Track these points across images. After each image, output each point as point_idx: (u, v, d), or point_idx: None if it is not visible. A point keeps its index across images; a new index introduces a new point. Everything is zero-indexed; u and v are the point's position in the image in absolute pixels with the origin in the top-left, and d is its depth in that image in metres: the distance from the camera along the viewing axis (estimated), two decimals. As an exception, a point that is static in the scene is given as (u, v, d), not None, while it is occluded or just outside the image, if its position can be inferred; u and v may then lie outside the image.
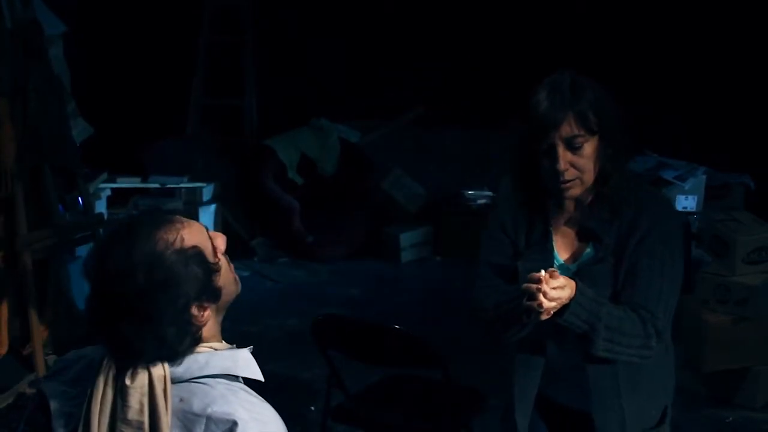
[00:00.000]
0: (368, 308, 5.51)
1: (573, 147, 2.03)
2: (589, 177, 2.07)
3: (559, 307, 1.96)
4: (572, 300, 1.97)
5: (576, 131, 2.02)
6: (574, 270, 2.13)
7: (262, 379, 1.56)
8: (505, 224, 2.24)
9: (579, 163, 2.04)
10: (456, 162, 6.97)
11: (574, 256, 2.17)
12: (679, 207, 5.32)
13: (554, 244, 2.18)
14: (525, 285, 1.95)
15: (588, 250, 2.15)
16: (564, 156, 2.03)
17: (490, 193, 6.65)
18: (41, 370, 4.13)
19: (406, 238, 6.57)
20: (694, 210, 5.36)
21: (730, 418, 3.98)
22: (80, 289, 4.81)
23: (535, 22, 6.69)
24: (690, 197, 5.38)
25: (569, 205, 2.17)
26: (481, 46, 6.84)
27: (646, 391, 2.23)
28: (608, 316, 2.02)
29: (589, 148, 2.04)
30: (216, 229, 6.08)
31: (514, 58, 6.72)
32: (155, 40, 6.80)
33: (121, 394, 1.48)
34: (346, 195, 6.81)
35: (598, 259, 2.11)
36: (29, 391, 4.07)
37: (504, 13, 6.75)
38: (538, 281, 1.92)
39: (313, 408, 3.98)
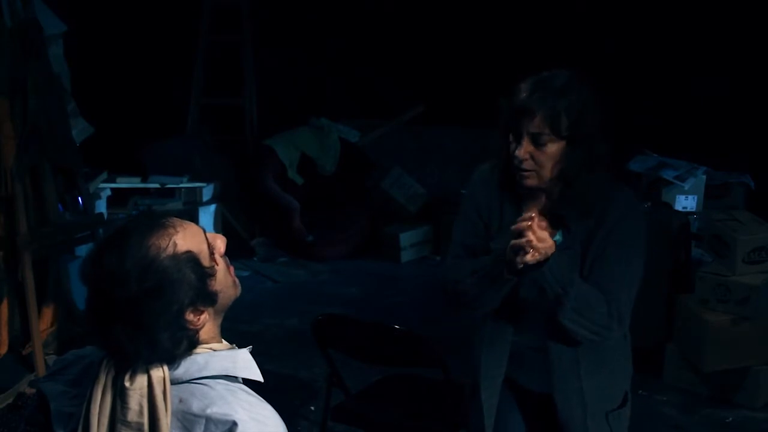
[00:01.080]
0: (368, 308, 5.51)
1: (537, 143, 2.11)
2: (546, 173, 2.15)
3: (542, 254, 2.03)
4: (552, 256, 2.05)
5: (543, 130, 2.10)
6: None
7: (262, 380, 1.56)
8: (480, 207, 2.33)
9: (539, 158, 2.13)
10: (456, 162, 6.97)
11: None
12: (679, 207, 5.32)
13: None
14: (516, 226, 2.03)
15: (557, 237, 2.22)
16: (526, 147, 2.12)
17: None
18: (41, 370, 4.13)
19: (405, 238, 6.57)
20: (694, 210, 5.36)
21: (730, 418, 3.98)
22: (80, 289, 4.80)
23: (535, 21, 6.69)
24: (690, 197, 5.38)
25: (540, 195, 2.25)
26: (481, 46, 6.84)
27: (606, 375, 2.31)
28: (579, 286, 2.13)
29: (553, 147, 2.12)
30: (216, 229, 6.09)
31: (514, 58, 6.72)
32: (155, 40, 6.80)
33: (120, 395, 1.48)
34: (346, 195, 6.81)
35: (566, 246, 2.19)
36: (29, 391, 4.07)
37: (504, 13, 6.75)
38: (530, 219, 2.02)
39: (313, 408, 3.98)
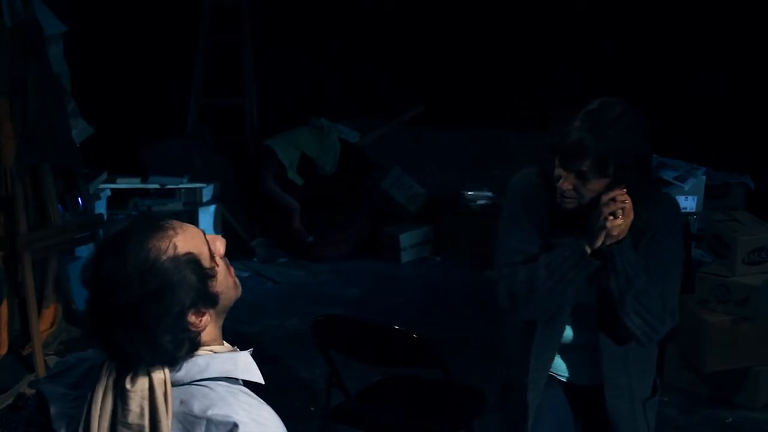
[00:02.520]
0: (368, 308, 5.51)
1: (582, 179, 2.18)
2: (587, 201, 2.21)
3: (625, 226, 2.13)
4: (624, 239, 2.16)
5: (590, 171, 2.16)
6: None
7: (263, 382, 1.56)
8: (533, 216, 2.37)
9: (581, 191, 2.20)
10: (456, 162, 6.98)
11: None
12: (679, 207, 5.31)
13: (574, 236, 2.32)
14: (608, 194, 2.12)
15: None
16: (571, 180, 2.19)
17: (490, 194, 6.65)
18: (41, 371, 4.13)
19: (405, 238, 6.57)
20: (694, 210, 5.36)
21: (730, 419, 3.98)
22: (80, 290, 4.80)
23: (535, 21, 6.69)
24: (690, 197, 5.38)
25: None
26: (481, 45, 6.84)
27: (644, 364, 2.43)
28: (642, 279, 2.21)
29: (597, 185, 2.18)
30: (216, 230, 6.08)
31: (514, 58, 6.73)
32: (155, 40, 6.80)
33: (121, 397, 1.48)
34: (346, 195, 6.81)
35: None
36: (29, 391, 4.07)
37: (504, 13, 6.75)
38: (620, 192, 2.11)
39: (313, 408, 3.98)
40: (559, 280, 2.24)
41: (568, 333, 2.40)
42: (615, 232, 2.14)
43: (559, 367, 2.47)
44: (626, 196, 2.13)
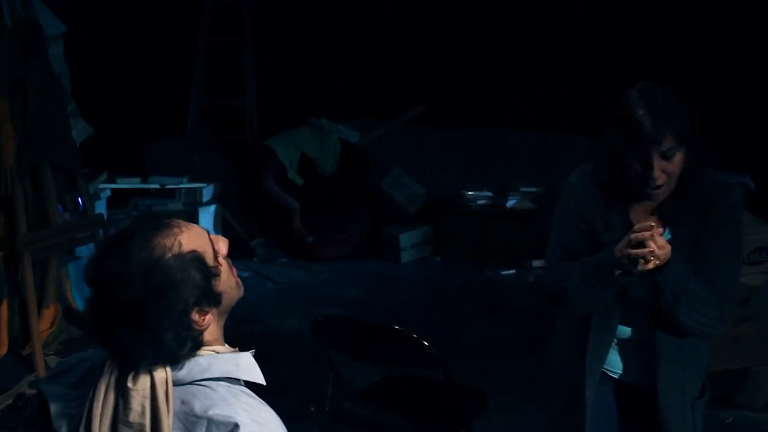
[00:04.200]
0: (368, 308, 5.51)
1: (667, 157, 2.20)
2: (674, 181, 2.25)
3: (661, 261, 2.14)
4: (667, 265, 2.16)
5: (673, 144, 2.19)
6: None
7: (264, 383, 1.56)
8: (585, 213, 2.38)
9: (669, 170, 2.22)
10: (456, 162, 6.97)
11: None
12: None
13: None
14: (635, 234, 2.13)
15: (666, 234, 2.30)
16: (658, 165, 2.19)
17: (490, 194, 6.65)
18: (41, 371, 4.13)
19: (405, 238, 6.57)
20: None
21: (730, 419, 3.98)
22: (80, 290, 4.81)
23: (535, 21, 6.69)
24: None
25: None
26: (480, 45, 6.84)
27: (697, 361, 2.44)
28: (695, 287, 2.23)
29: (679, 156, 2.22)
30: (216, 230, 6.07)
31: (514, 58, 6.73)
32: (155, 40, 6.80)
33: (122, 396, 1.48)
34: (346, 195, 6.81)
35: (676, 244, 2.26)
36: (29, 391, 4.07)
37: (504, 13, 6.75)
38: (650, 228, 2.12)
39: (313, 408, 3.97)
40: (589, 290, 2.30)
41: (624, 329, 2.39)
42: (649, 266, 2.15)
43: (612, 364, 2.45)
44: (656, 240, 2.12)
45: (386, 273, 6.30)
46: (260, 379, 1.56)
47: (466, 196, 6.64)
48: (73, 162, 4.75)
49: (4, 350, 4.36)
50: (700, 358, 2.44)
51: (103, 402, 1.49)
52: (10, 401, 4.01)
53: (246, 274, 6.11)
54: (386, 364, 3.21)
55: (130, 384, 1.47)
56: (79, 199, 4.85)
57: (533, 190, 6.58)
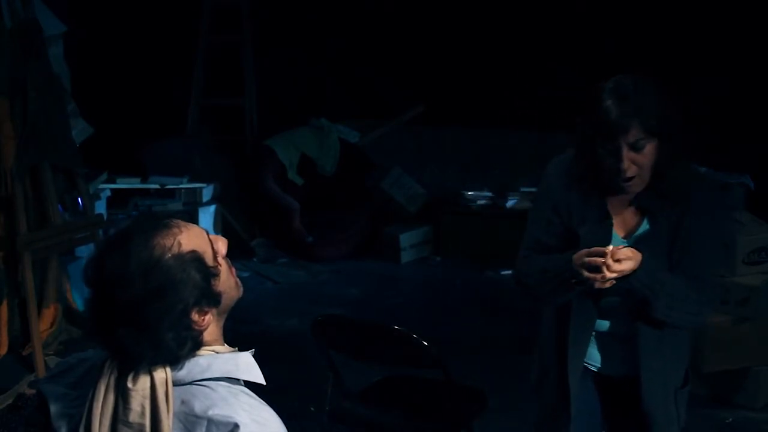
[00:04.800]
0: (368, 308, 5.51)
1: (635, 149, 2.19)
2: (647, 173, 2.23)
3: (627, 271, 2.14)
4: (638, 268, 2.16)
5: (641, 135, 2.18)
6: (630, 244, 2.29)
7: (264, 383, 1.56)
8: (558, 204, 2.38)
9: (639, 161, 2.20)
10: (456, 162, 6.97)
11: (630, 232, 2.34)
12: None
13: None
14: (588, 259, 2.14)
15: (644, 225, 2.32)
16: (627, 156, 2.19)
17: (490, 194, 6.65)
18: (41, 371, 4.13)
19: (405, 238, 6.57)
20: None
21: (730, 419, 3.98)
22: (80, 290, 4.81)
23: (535, 21, 6.69)
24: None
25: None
26: (480, 45, 6.84)
27: (677, 356, 2.43)
28: (669, 285, 2.22)
29: (649, 147, 2.20)
30: (216, 230, 6.07)
31: (514, 58, 6.73)
32: (155, 40, 6.80)
33: (122, 396, 1.48)
34: (346, 195, 6.81)
35: (654, 234, 2.29)
36: (29, 391, 4.07)
37: (504, 13, 6.75)
38: (603, 255, 2.12)
39: (313, 408, 3.97)
40: (548, 290, 2.33)
41: (603, 322, 2.40)
42: (606, 286, 2.16)
43: (593, 357, 2.45)
44: (610, 267, 2.11)
45: (386, 273, 6.30)
46: (260, 379, 1.56)
47: (466, 196, 6.64)
48: (73, 162, 4.75)
49: (4, 350, 4.36)
50: (682, 348, 2.44)
51: (102, 402, 1.49)
52: (10, 401, 4.01)
53: (246, 274, 6.11)
54: (386, 364, 3.21)
55: (129, 384, 1.47)
56: (79, 199, 4.84)
57: (533, 190, 6.55)
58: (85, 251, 5.02)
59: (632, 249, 2.17)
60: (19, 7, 4.42)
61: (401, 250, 6.53)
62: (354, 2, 7.04)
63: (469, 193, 6.66)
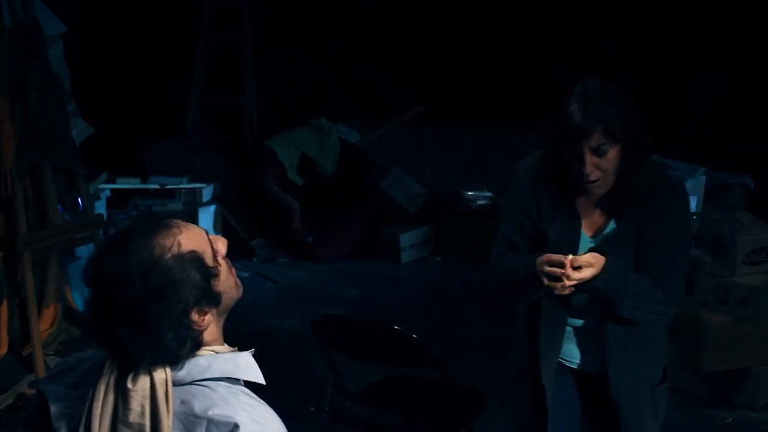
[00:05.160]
0: (368, 308, 5.51)
1: (598, 153, 2.22)
2: (611, 177, 2.27)
3: (590, 276, 2.19)
4: (601, 272, 2.20)
5: (603, 140, 2.20)
6: (596, 243, 2.34)
7: (264, 383, 1.56)
8: (527, 204, 2.42)
9: (603, 166, 2.24)
10: (456, 162, 6.98)
11: (597, 231, 2.37)
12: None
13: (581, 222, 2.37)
14: (548, 269, 2.19)
15: (610, 225, 2.35)
16: (590, 161, 2.22)
17: (490, 194, 6.65)
18: (41, 371, 4.13)
19: (405, 239, 6.57)
20: (694, 210, 5.35)
21: (730, 419, 3.98)
22: (80, 290, 4.81)
23: (536, 22, 6.69)
24: (690, 197, 5.36)
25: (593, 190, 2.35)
26: (480, 45, 6.84)
27: (652, 353, 2.45)
28: (634, 285, 2.25)
29: (613, 152, 2.23)
30: (216, 230, 6.06)
31: (514, 58, 6.73)
32: (155, 40, 6.80)
33: (122, 396, 1.48)
34: (346, 195, 6.81)
35: (620, 234, 2.32)
36: (29, 391, 4.07)
37: (504, 13, 6.75)
38: (562, 266, 2.16)
39: (313, 408, 3.97)
40: (516, 290, 2.37)
41: (578, 318, 2.43)
42: (565, 292, 2.21)
43: (569, 353, 2.48)
44: (570, 277, 2.16)
45: (386, 273, 6.31)
46: (260, 379, 1.56)
47: (466, 196, 6.64)
48: (73, 162, 4.75)
49: (4, 350, 4.36)
50: (655, 346, 2.45)
51: (102, 402, 1.49)
52: (10, 401, 4.01)
53: (246, 274, 6.11)
54: (386, 364, 3.21)
55: (129, 384, 1.47)
56: (79, 199, 4.84)
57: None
58: (85, 251, 5.02)
59: (593, 254, 2.21)
60: (19, 7, 4.42)
61: (401, 250, 6.53)
62: (354, 2, 7.04)
63: (469, 193, 6.66)
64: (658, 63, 6.24)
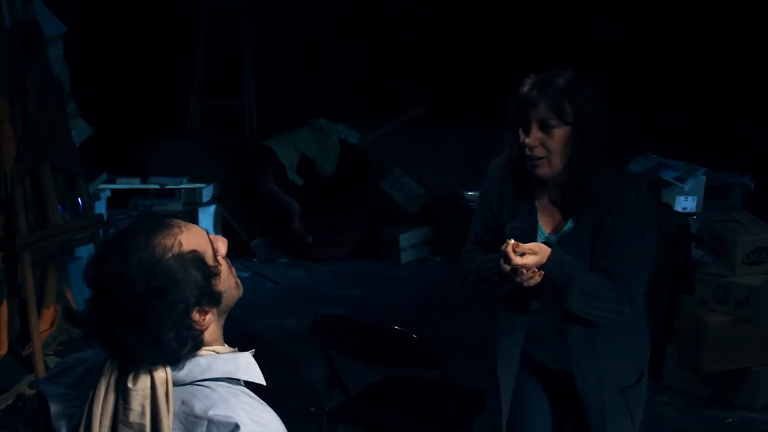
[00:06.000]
0: (368, 309, 5.51)
1: (545, 128, 2.24)
2: (557, 160, 2.27)
3: (534, 267, 2.20)
4: (547, 262, 2.21)
5: (549, 115, 2.23)
6: (555, 241, 2.35)
7: (264, 383, 1.56)
8: (492, 204, 2.48)
9: (548, 144, 2.25)
10: (456, 162, 6.98)
11: (556, 230, 2.39)
12: (678, 208, 5.32)
13: (539, 218, 2.40)
14: (503, 264, 2.22)
15: (569, 224, 2.36)
16: (535, 134, 2.25)
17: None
18: (41, 371, 4.13)
19: (405, 239, 6.57)
20: (693, 210, 5.36)
21: (730, 419, 3.98)
22: (80, 290, 4.81)
23: (536, 22, 6.69)
24: (690, 198, 5.37)
25: (552, 187, 2.37)
26: (481, 46, 6.85)
27: (621, 354, 2.42)
28: (583, 280, 2.26)
29: (560, 133, 2.24)
30: (216, 230, 6.08)
31: (514, 59, 6.72)
32: (155, 40, 6.80)
33: (122, 396, 1.48)
34: (346, 195, 6.81)
35: (578, 233, 2.33)
36: (29, 392, 4.07)
37: (504, 13, 6.75)
38: (505, 254, 2.19)
39: (313, 408, 3.97)
40: (483, 286, 2.40)
41: (537, 311, 2.43)
42: (526, 283, 2.22)
43: (537, 352, 2.48)
44: (513, 260, 2.17)
45: (386, 273, 6.31)
46: (260, 380, 1.56)
47: (466, 196, 6.64)
48: (73, 162, 4.75)
49: (4, 350, 4.36)
50: (623, 346, 2.41)
51: (103, 402, 1.49)
52: (9, 401, 4.01)
53: (246, 275, 6.12)
54: (386, 364, 3.21)
55: (130, 384, 1.47)
56: (79, 199, 4.85)
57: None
58: (85, 251, 5.03)
59: (538, 244, 2.22)
60: (19, 8, 4.43)
61: (401, 250, 6.53)
62: (354, 3, 7.05)
63: (469, 193, 6.66)
64: (659, 63, 6.24)
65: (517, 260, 2.17)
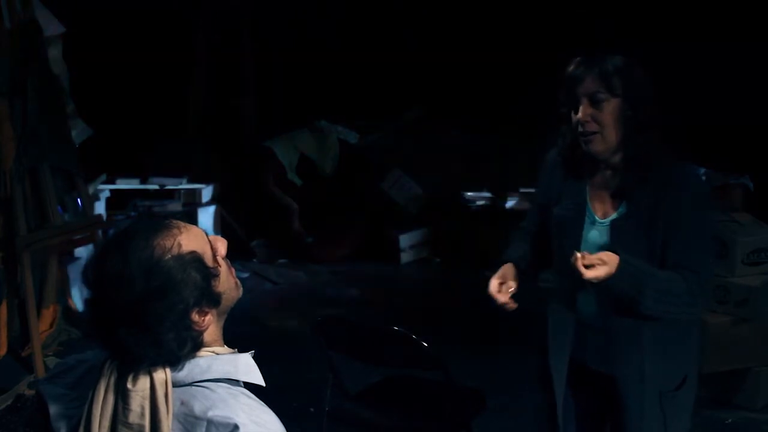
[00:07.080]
0: (368, 309, 5.51)
1: (595, 101, 2.23)
2: (610, 134, 2.24)
3: (606, 273, 2.14)
4: (617, 269, 2.14)
5: (597, 88, 2.23)
6: (606, 224, 2.30)
7: (263, 384, 1.56)
8: (546, 187, 2.47)
9: (599, 118, 2.23)
10: (456, 162, 6.97)
11: (607, 214, 2.33)
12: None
13: (589, 201, 2.35)
14: (491, 290, 2.33)
15: (621, 208, 2.30)
16: (585, 109, 2.23)
17: (489, 194, 6.65)
18: (40, 372, 4.13)
19: (405, 240, 6.57)
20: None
21: (730, 420, 3.98)
22: (80, 290, 4.81)
23: (536, 22, 6.69)
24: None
25: (604, 168, 2.33)
26: (481, 47, 6.84)
27: (668, 356, 2.34)
28: (653, 279, 2.19)
29: (609, 106, 2.23)
30: (215, 230, 6.07)
31: (514, 60, 6.73)
32: (155, 40, 6.80)
33: (122, 397, 1.48)
34: (346, 196, 6.81)
35: (631, 216, 2.27)
36: (28, 392, 4.07)
37: (504, 13, 6.75)
38: (575, 260, 2.13)
39: (312, 409, 3.97)
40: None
41: (589, 313, 2.36)
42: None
43: (585, 355, 2.40)
44: (583, 274, 2.11)
45: (386, 274, 6.31)
46: (260, 381, 1.56)
47: (465, 196, 6.64)
48: (73, 163, 4.75)
49: (4, 351, 4.36)
50: (670, 346, 2.33)
51: (102, 403, 1.49)
52: (9, 402, 4.01)
53: (245, 275, 6.12)
54: (386, 364, 3.20)
55: (129, 385, 1.47)
56: (79, 200, 4.85)
57: (532, 190, 6.56)
58: (84, 251, 5.02)
59: (606, 253, 2.15)
60: (18, 8, 4.42)
61: (401, 251, 6.53)
62: (354, 3, 7.05)
63: (469, 193, 6.66)
64: (659, 63, 6.23)
65: (588, 273, 2.10)
